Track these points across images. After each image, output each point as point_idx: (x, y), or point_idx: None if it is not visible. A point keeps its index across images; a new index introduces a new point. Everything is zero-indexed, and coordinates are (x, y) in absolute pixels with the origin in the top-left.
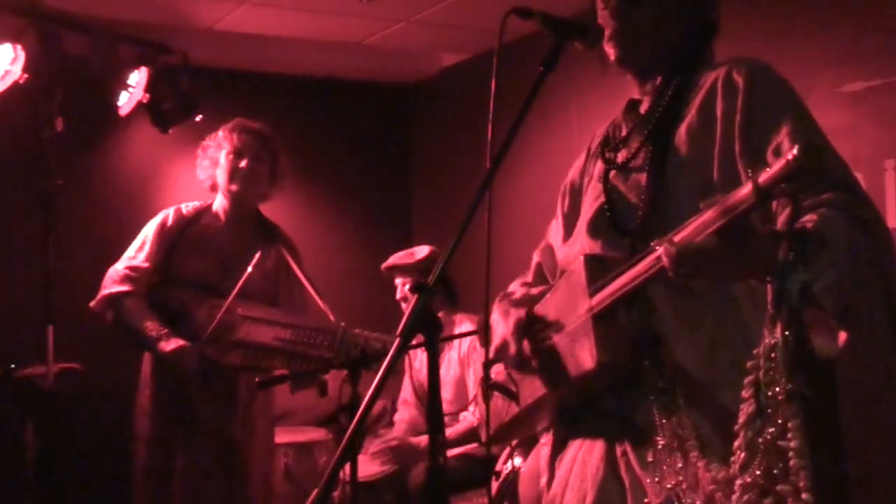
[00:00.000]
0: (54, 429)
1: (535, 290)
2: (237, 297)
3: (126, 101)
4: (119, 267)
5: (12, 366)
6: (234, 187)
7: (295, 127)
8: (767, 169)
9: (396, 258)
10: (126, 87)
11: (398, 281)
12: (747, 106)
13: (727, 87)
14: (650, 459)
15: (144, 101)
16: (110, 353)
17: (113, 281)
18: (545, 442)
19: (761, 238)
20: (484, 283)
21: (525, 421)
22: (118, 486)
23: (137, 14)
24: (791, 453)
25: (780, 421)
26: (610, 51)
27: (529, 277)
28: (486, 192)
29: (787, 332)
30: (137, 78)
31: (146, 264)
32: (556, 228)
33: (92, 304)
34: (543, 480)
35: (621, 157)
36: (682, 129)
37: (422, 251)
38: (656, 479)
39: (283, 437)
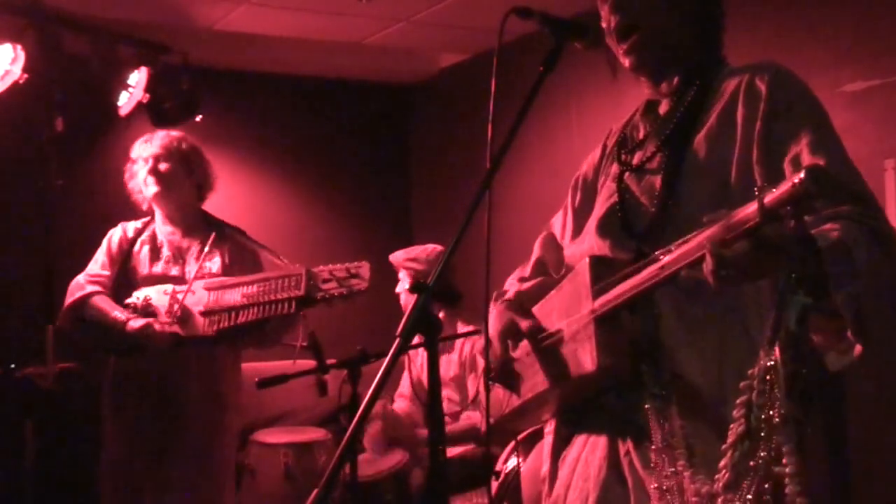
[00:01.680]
0: (54, 429)
1: (525, 286)
2: (196, 280)
3: (126, 101)
4: (79, 278)
5: (12, 366)
6: (152, 190)
7: (295, 127)
8: (774, 190)
9: (406, 251)
10: (126, 87)
11: (402, 273)
12: (768, 114)
13: (749, 93)
14: (651, 464)
15: (144, 101)
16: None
17: (76, 288)
18: (548, 431)
19: (787, 240)
20: (484, 282)
21: (525, 414)
22: None
23: (137, 14)
24: (787, 479)
25: (773, 445)
26: (621, 50)
27: (527, 272)
28: (486, 192)
29: (784, 356)
30: (137, 78)
31: (106, 272)
32: (561, 220)
33: (58, 322)
34: (545, 469)
35: (637, 158)
36: (702, 135)
37: (432, 249)
38: (654, 486)
39: (283, 437)
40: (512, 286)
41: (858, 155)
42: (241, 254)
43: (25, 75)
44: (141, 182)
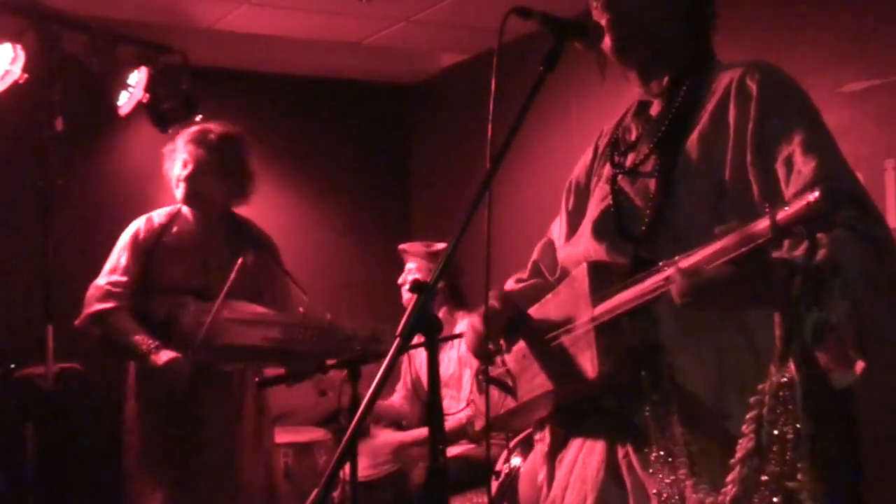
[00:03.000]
0: (54, 429)
1: (519, 286)
2: (222, 299)
3: (126, 101)
4: (100, 283)
5: (12, 366)
6: (179, 193)
7: (295, 127)
8: (786, 207)
9: (414, 244)
10: (126, 87)
11: (408, 266)
12: (759, 114)
13: (740, 93)
14: (651, 469)
15: (144, 101)
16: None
17: (96, 299)
18: (539, 438)
19: (775, 269)
20: (483, 282)
21: (521, 414)
22: (118, 487)
23: (137, 14)
24: (803, 494)
25: (787, 460)
26: (609, 43)
27: (525, 274)
28: (486, 192)
29: (801, 373)
30: (137, 78)
31: (125, 278)
32: (558, 225)
33: (77, 322)
34: (541, 477)
35: (630, 160)
36: (694, 137)
37: (440, 245)
38: (653, 491)
39: (283, 437)
40: (508, 285)
41: (858, 155)
42: (263, 265)
43: (25, 75)
44: (173, 177)
